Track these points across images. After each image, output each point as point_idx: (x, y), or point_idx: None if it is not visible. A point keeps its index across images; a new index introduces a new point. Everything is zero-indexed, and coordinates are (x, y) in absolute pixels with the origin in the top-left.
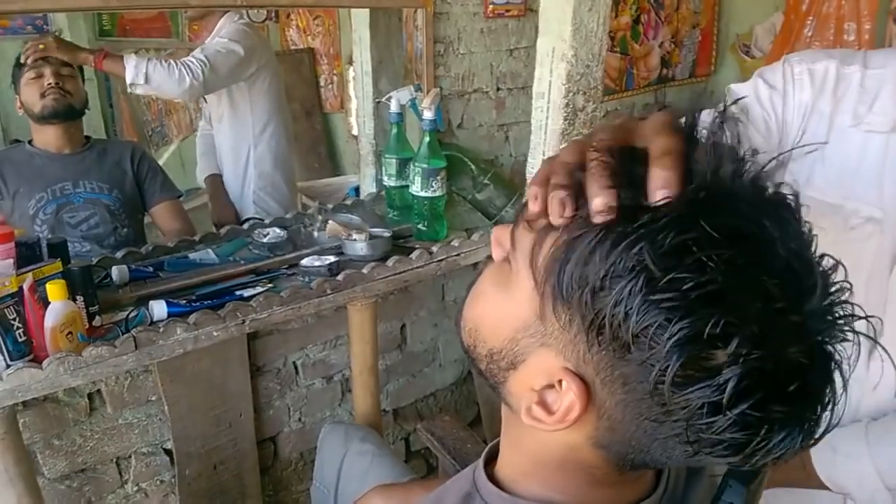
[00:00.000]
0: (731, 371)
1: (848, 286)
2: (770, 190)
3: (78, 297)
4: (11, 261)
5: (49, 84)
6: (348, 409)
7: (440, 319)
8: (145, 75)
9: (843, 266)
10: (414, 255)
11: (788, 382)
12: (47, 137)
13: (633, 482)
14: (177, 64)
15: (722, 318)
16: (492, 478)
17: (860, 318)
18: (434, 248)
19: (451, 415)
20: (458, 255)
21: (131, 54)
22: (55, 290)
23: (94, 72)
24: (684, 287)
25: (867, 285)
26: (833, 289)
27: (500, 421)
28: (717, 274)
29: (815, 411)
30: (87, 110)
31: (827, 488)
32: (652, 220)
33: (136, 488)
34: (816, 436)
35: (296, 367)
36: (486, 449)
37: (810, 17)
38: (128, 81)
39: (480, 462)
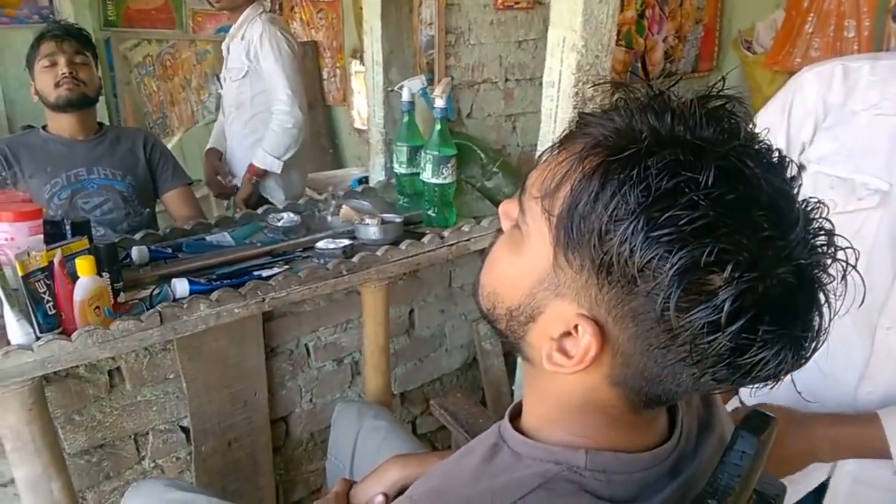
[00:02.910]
0: (726, 292)
1: (830, 224)
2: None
3: (104, 274)
4: (41, 236)
5: (63, 73)
6: (358, 392)
7: (447, 306)
8: (276, 160)
9: (826, 205)
10: (426, 240)
11: (778, 300)
12: (62, 124)
13: (647, 427)
14: (280, 123)
15: (716, 246)
16: (517, 430)
17: (840, 248)
18: (445, 233)
19: (463, 392)
20: (468, 239)
21: (256, 153)
22: (84, 265)
23: (98, 60)
24: (681, 222)
25: (870, 255)
26: (814, 224)
27: (505, 405)
28: (708, 209)
29: (802, 330)
30: (101, 96)
31: None
32: (647, 167)
33: (152, 464)
34: (806, 356)
35: (308, 349)
36: (511, 406)
37: (811, 14)
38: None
39: (506, 418)
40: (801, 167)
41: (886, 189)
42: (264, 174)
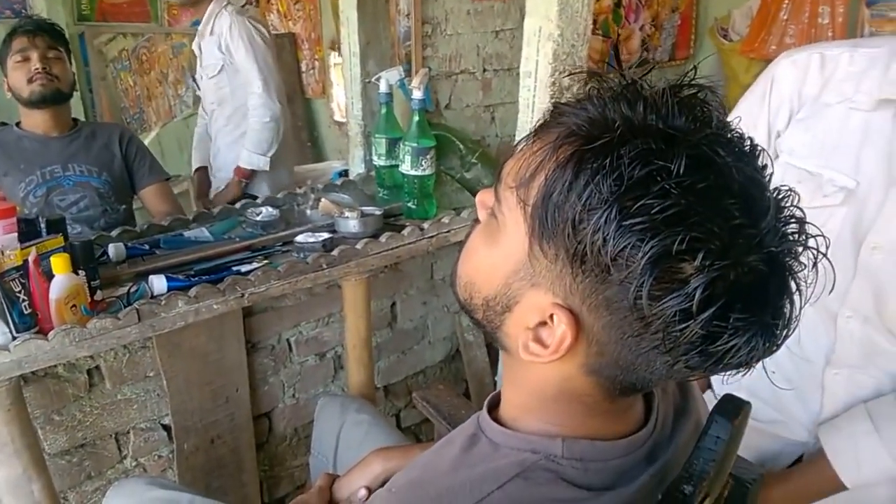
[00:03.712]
0: (697, 280)
1: (801, 213)
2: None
3: (80, 272)
4: (15, 235)
5: (36, 69)
6: (341, 386)
7: (429, 298)
8: (262, 157)
9: (797, 193)
10: (406, 232)
11: (749, 288)
12: (36, 121)
13: (623, 414)
14: (258, 118)
15: (687, 235)
16: (495, 420)
17: (811, 235)
18: (425, 225)
19: (445, 384)
20: (448, 231)
21: (241, 154)
22: (59, 263)
23: (71, 55)
24: (653, 211)
25: (832, 250)
26: (785, 212)
27: (488, 396)
28: (680, 198)
29: (774, 317)
30: (76, 91)
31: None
32: (619, 156)
33: (134, 463)
34: (778, 342)
35: (289, 344)
36: (489, 397)
37: (786, 1)
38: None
39: (484, 408)
40: (775, 156)
41: (852, 187)
42: (252, 174)
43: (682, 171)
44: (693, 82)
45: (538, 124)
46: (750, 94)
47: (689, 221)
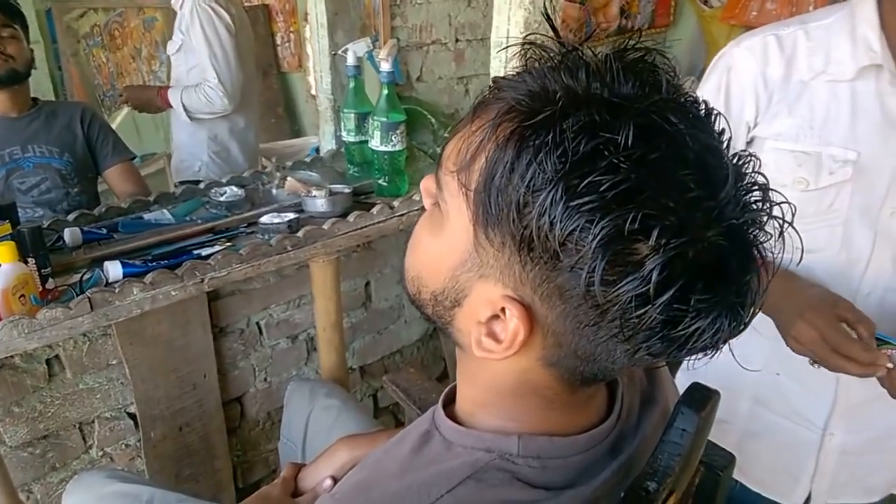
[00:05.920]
0: (653, 261)
1: (763, 178)
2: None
3: (29, 260)
4: None
5: None
6: (314, 368)
7: None
8: (185, 108)
9: (758, 158)
10: (375, 210)
11: (709, 265)
12: None
13: (584, 406)
14: (199, 91)
15: (640, 212)
16: (451, 416)
17: (774, 203)
18: (395, 203)
19: (416, 367)
20: (418, 209)
21: (176, 90)
22: (5, 252)
23: (41, 32)
24: (601, 189)
25: (845, 227)
26: (745, 179)
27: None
28: (630, 172)
29: (738, 295)
30: (34, 69)
31: None
32: (562, 130)
33: (101, 453)
34: (745, 321)
35: (259, 328)
36: (444, 391)
37: None
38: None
39: (439, 403)
40: (748, 141)
41: (854, 158)
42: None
43: (630, 142)
44: (639, 45)
45: (477, 101)
46: (703, 88)
47: (640, 197)
